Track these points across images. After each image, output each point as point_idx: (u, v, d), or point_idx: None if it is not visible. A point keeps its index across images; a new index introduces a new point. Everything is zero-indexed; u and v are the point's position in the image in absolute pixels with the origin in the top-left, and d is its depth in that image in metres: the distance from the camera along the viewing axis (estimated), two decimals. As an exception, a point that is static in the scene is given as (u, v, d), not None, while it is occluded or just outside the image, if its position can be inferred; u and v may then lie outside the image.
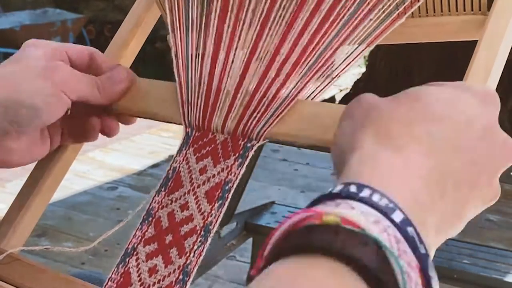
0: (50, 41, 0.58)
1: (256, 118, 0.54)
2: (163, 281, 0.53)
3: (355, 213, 0.29)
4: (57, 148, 0.64)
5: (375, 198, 0.31)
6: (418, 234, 0.30)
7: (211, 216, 0.53)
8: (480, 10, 0.54)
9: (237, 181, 0.54)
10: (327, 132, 0.50)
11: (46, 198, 0.64)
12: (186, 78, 0.58)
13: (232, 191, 0.53)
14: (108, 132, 0.62)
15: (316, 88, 0.54)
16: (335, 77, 0.54)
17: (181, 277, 0.52)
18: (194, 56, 0.58)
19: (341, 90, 5.60)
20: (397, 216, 0.30)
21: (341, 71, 0.54)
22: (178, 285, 0.52)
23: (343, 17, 0.54)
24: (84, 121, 0.61)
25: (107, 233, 0.57)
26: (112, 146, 4.16)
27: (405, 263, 0.28)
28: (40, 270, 0.56)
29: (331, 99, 5.37)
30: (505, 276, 2.05)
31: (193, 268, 0.53)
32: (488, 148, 0.38)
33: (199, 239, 0.53)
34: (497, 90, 0.51)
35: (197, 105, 0.56)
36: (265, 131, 0.54)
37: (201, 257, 0.53)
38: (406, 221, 0.30)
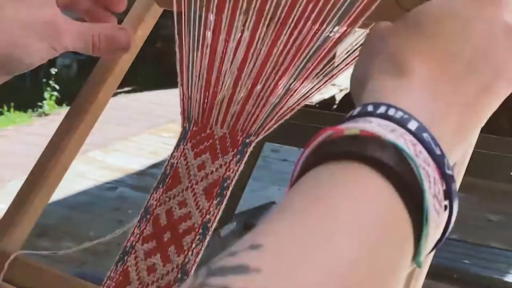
0: None
1: (256, 114, 0.54)
2: (161, 279, 0.52)
3: (372, 125, 0.32)
4: (57, 147, 0.64)
5: (391, 112, 0.33)
6: (433, 138, 0.33)
7: (209, 213, 0.53)
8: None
9: (236, 178, 0.53)
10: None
11: (45, 198, 0.64)
12: (187, 71, 0.57)
13: (230, 189, 0.53)
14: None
15: (314, 85, 0.54)
16: (333, 76, 0.54)
17: (179, 275, 0.52)
18: (195, 49, 0.58)
19: (341, 90, 5.60)
20: (412, 125, 0.33)
21: (340, 70, 0.54)
22: (177, 284, 0.52)
23: (337, 12, 0.54)
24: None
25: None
26: (112, 146, 4.16)
27: (420, 161, 0.31)
28: (39, 269, 0.56)
29: (331, 99, 5.37)
30: (506, 276, 2.05)
31: (192, 267, 0.52)
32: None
33: (197, 237, 0.53)
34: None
35: (196, 98, 0.56)
36: (264, 127, 0.53)
37: (200, 256, 0.52)
38: (421, 128, 0.33)
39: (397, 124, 0.32)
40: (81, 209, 3.19)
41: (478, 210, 3.20)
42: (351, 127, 0.31)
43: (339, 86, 5.72)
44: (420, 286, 0.46)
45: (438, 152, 0.33)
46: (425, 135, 0.32)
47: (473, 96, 0.38)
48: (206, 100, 0.56)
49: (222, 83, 0.55)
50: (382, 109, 0.33)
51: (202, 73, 0.57)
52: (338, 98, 5.31)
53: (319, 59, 0.54)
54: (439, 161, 0.32)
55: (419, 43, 0.38)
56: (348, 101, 4.91)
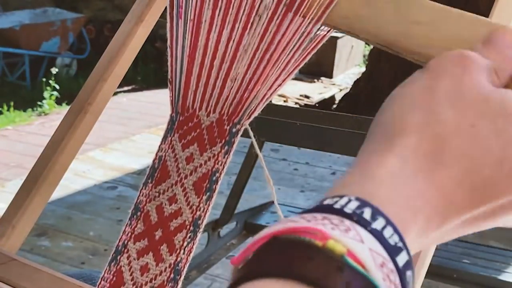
0: None
1: (242, 99, 0.53)
2: (155, 280, 0.52)
3: (363, 249, 0.27)
4: (56, 147, 0.64)
5: (387, 233, 0.28)
6: (413, 277, 0.29)
7: (199, 210, 0.52)
8: None
9: (224, 170, 0.53)
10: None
11: (45, 197, 0.64)
12: (175, 56, 0.57)
13: (219, 183, 0.53)
14: None
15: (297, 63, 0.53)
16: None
17: (172, 275, 0.52)
18: (184, 33, 0.57)
19: (341, 90, 5.60)
20: (402, 259, 0.28)
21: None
22: (170, 284, 0.52)
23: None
24: None
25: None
26: (112, 145, 4.15)
27: None
28: (36, 270, 0.56)
29: (331, 99, 5.37)
30: (505, 275, 2.05)
31: (184, 266, 0.52)
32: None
33: (188, 235, 0.52)
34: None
35: (183, 84, 0.55)
36: (250, 113, 0.53)
37: (191, 254, 0.52)
38: (408, 264, 0.29)
39: (388, 253, 0.28)
40: (80, 209, 3.19)
41: (477, 209, 3.19)
42: (339, 240, 0.26)
43: (339, 85, 5.71)
44: (419, 285, 0.46)
45: None
46: (408, 273, 0.28)
47: (490, 211, 0.33)
48: (191, 85, 0.55)
49: (207, 66, 0.54)
50: (379, 224, 0.28)
51: (187, 55, 0.56)
52: (338, 97, 5.30)
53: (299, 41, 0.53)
54: None
55: (483, 161, 0.32)
56: (347, 101, 4.87)
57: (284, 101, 5.08)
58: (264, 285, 0.26)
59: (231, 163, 0.59)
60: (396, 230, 0.29)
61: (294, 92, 5.25)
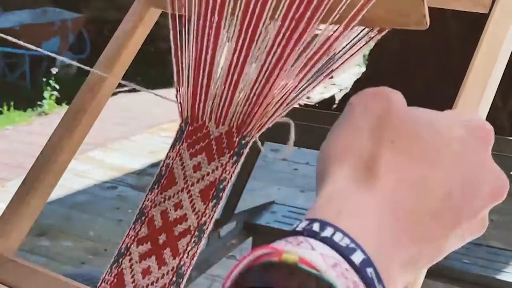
0: None
1: (251, 113, 0.53)
2: (156, 283, 0.52)
3: (314, 254, 0.30)
4: (56, 147, 0.64)
5: (337, 237, 0.31)
6: (377, 275, 0.31)
7: (205, 216, 0.52)
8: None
9: (232, 179, 0.53)
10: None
11: (43, 197, 0.64)
12: (181, 66, 0.57)
13: (226, 190, 0.53)
14: None
15: (310, 84, 0.54)
16: (329, 74, 0.54)
17: (174, 279, 0.52)
18: (189, 44, 0.57)
19: (341, 90, 5.60)
20: (357, 257, 0.31)
21: (336, 69, 0.54)
22: (172, 287, 0.52)
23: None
24: None
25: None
26: (112, 145, 4.15)
27: None
28: (33, 271, 0.56)
29: (331, 99, 5.37)
30: (505, 275, 2.05)
31: (187, 270, 0.52)
32: (475, 183, 0.36)
33: (193, 240, 0.52)
34: (497, 90, 0.51)
35: (191, 96, 0.55)
36: (260, 127, 0.53)
37: (195, 258, 0.52)
38: (366, 262, 0.31)
39: (341, 254, 0.31)
40: (80, 209, 3.19)
41: (477, 209, 3.19)
42: (291, 252, 0.30)
43: (339, 85, 5.71)
44: (419, 285, 0.45)
45: None
46: (369, 270, 0.31)
47: (441, 236, 0.36)
48: (200, 97, 0.55)
49: (214, 78, 0.55)
50: (327, 232, 0.32)
51: (194, 67, 0.56)
52: (338, 97, 5.30)
53: (313, 58, 0.53)
54: None
55: (412, 169, 0.35)
56: (347, 101, 4.90)
57: (284, 101, 5.07)
58: None
59: (231, 163, 0.59)
60: (345, 234, 0.32)
61: (294, 92, 5.24)
